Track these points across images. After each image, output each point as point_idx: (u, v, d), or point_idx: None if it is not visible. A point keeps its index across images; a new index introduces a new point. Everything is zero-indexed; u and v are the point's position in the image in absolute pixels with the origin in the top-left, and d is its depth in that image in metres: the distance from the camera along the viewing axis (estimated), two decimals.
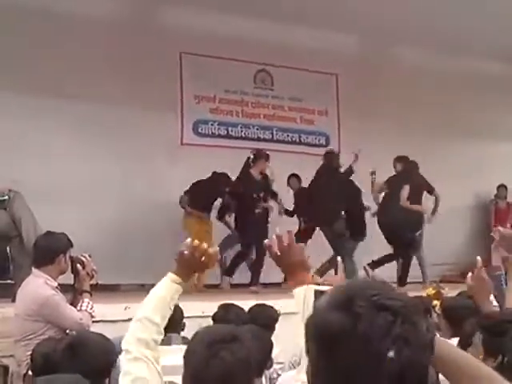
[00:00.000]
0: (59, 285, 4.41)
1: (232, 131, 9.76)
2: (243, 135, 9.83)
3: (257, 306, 4.62)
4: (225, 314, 4.30)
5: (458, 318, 3.64)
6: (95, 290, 4.66)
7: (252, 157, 8.19)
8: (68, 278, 4.53)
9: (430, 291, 5.59)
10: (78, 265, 4.39)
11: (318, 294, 1.75)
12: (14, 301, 4.86)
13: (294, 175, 9.15)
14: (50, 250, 4.34)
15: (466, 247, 10.64)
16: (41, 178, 7.98)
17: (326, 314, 1.21)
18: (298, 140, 10.22)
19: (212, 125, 9.66)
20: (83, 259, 4.42)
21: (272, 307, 4.64)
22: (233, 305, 4.43)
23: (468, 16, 8.88)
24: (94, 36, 8.58)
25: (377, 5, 8.61)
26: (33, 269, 4.38)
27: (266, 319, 4.37)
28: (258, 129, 9.94)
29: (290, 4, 8.71)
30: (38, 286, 4.28)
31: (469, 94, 10.79)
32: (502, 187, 11.17)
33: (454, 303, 4.09)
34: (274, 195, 8.64)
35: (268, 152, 8.62)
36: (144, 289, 8.40)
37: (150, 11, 9.28)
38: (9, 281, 5.88)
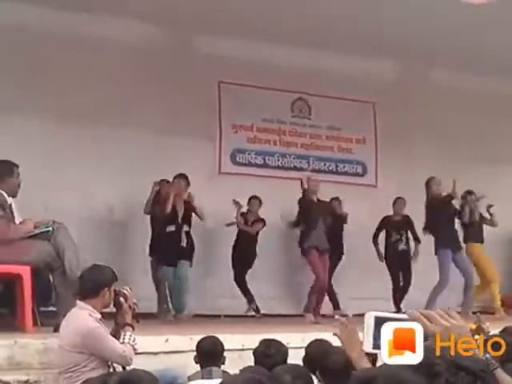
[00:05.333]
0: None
1: (269, 160, 9.78)
2: (280, 164, 9.83)
3: (314, 341, 4.51)
4: (265, 350, 4.27)
5: None
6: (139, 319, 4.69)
7: None
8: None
9: (472, 326, 5.51)
10: (121, 298, 4.45)
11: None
12: (56, 330, 4.94)
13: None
14: (96, 283, 4.41)
15: (507, 277, 10.43)
16: (78, 206, 8.12)
17: (402, 371, 1.20)
18: (334, 169, 10.16)
19: (249, 154, 9.71)
20: (125, 292, 4.48)
21: (327, 341, 4.49)
22: (274, 340, 4.39)
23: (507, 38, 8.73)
24: (132, 63, 8.75)
25: (412, 28, 8.55)
26: (77, 301, 4.44)
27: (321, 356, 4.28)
28: (294, 158, 9.94)
29: (327, 32, 8.73)
30: (83, 318, 4.33)
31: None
32: None
33: None
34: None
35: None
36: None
37: (188, 40, 9.42)
38: (51, 308, 5.96)
